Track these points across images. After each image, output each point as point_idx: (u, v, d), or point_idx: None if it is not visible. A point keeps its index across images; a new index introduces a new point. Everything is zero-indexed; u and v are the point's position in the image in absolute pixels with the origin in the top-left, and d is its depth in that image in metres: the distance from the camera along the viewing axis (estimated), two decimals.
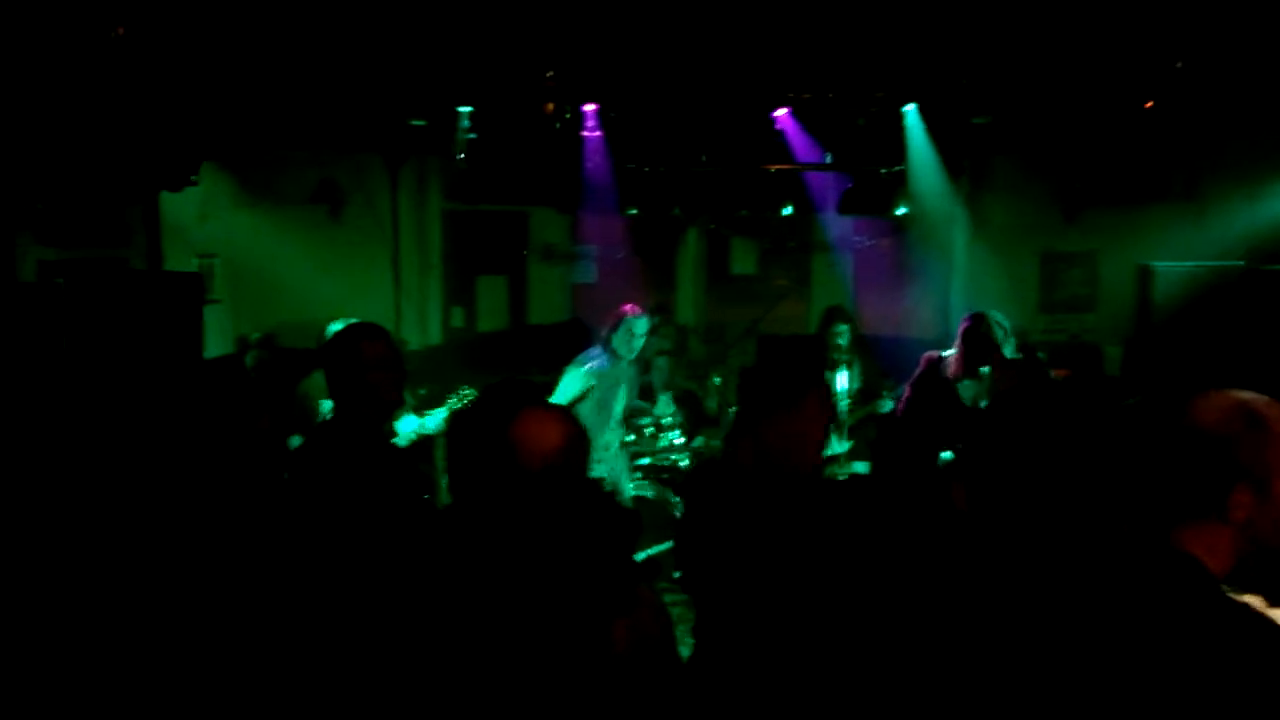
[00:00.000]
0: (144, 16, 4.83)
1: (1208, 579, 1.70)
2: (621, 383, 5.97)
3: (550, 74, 6.40)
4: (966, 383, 4.99)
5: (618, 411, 5.97)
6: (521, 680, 2.17)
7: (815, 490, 2.69)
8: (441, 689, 2.25)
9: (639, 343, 5.85)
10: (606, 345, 5.85)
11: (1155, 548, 1.73)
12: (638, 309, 5.91)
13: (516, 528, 2.28)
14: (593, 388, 5.76)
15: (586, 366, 5.77)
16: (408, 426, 5.13)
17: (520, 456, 2.35)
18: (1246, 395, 1.76)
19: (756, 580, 2.54)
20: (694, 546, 2.76)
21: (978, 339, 4.85)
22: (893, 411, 5.66)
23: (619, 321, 5.84)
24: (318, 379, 4.89)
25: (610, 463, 5.92)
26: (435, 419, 5.11)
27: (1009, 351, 4.90)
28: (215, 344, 5.80)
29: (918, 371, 5.21)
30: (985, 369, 4.72)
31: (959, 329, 5.00)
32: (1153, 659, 1.63)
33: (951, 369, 4.98)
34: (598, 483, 2.44)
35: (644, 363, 6.87)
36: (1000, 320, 4.91)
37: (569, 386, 5.68)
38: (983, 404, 4.93)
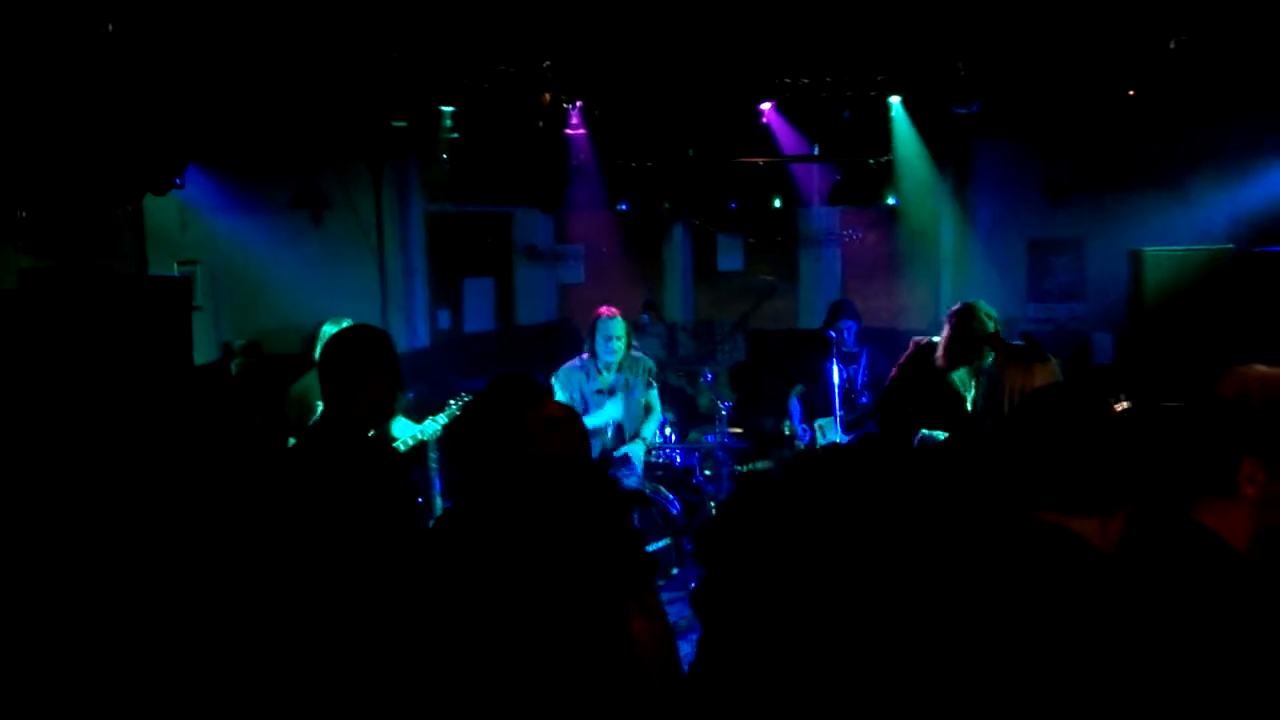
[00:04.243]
0: (122, 20, 4.75)
1: (1227, 550, 1.68)
2: (608, 393, 5.93)
3: (548, 64, 6.34)
4: (960, 371, 5.01)
5: (599, 420, 5.89)
6: (536, 679, 2.12)
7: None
8: (454, 687, 2.20)
9: (618, 344, 5.82)
10: (590, 350, 5.88)
11: (1175, 523, 1.71)
12: (613, 310, 5.89)
13: (530, 521, 2.25)
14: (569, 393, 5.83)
15: (559, 374, 5.88)
16: (403, 432, 5.08)
17: (532, 446, 2.41)
18: (1268, 369, 1.73)
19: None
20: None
21: (966, 330, 4.85)
22: (881, 392, 5.73)
23: (594, 324, 5.86)
24: (311, 380, 4.83)
25: None
26: (432, 427, 5.07)
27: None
28: (199, 352, 5.69)
29: (905, 355, 5.31)
30: (989, 357, 4.70)
31: (946, 316, 5.03)
32: (1175, 630, 1.61)
33: (939, 357, 4.99)
34: (605, 473, 2.50)
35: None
36: (988, 310, 4.93)
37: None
38: (970, 393, 4.93)
